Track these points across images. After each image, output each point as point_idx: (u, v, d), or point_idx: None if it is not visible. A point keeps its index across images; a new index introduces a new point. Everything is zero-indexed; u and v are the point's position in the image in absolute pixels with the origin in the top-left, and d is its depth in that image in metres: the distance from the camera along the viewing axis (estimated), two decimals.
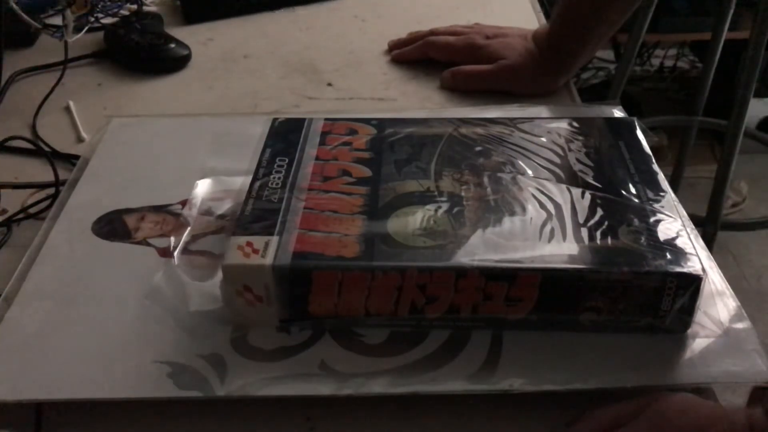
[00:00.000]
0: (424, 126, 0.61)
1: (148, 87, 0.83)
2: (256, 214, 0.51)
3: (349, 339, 0.49)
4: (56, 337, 0.50)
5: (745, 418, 0.43)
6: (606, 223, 0.50)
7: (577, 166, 0.56)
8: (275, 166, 0.56)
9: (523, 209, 0.52)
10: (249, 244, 0.49)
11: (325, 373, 0.47)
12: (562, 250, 0.48)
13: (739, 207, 2.13)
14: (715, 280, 0.52)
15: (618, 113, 0.69)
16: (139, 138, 0.71)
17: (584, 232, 0.49)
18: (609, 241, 0.49)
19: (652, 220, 0.51)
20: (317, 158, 0.57)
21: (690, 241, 0.49)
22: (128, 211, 0.61)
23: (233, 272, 0.48)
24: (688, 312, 0.48)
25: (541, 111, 0.71)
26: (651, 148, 0.59)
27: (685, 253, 0.48)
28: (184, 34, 0.91)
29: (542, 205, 0.52)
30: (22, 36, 0.90)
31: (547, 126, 0.62)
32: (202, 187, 0.62)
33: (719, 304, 0.51)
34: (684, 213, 0.55)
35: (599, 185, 0.54)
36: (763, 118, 2.26)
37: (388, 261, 0.47)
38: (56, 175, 0.65)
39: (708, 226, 1.54)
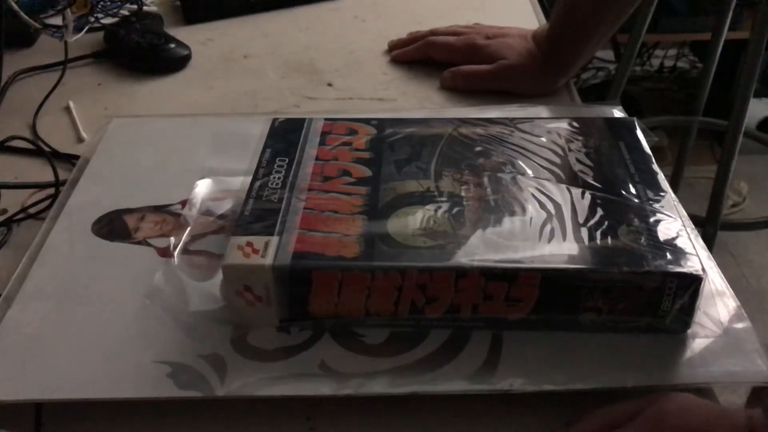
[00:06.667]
0: (424, 126, 0.61)
1: (148, 87, 0.83)
2: (256, 214, 0.51)
3: (349, 339, 0.49)
4: (56, 337, 0.50)
5: (744, 418, 0.43)
6: (606, 223, 0.50)
7: (577, 166, 0.56)
8: (275, 166, 0.56)
9: (523, 209, 0.52)
10: (249, 244, 0.49)
11: (325, 373, 0.47)
12: (562, 250, 0.48)
13: (739, 207, 2.13)
14: (715, 280, 0.52)
15: (618, 113, 0.69)
16: (139, 138, 0.71)
17: (584, 232, 0.49)
18: (609, 241, 0.49)
19: (652, 220, 0.51)
20: (317, 158, 0.57)
21: (690, 241, 0.49)
22: (128, 211, 0.61)
23: (233, 272, 0.48)
24: (688, 312, 0.48)
25: (541, 111, 0.71)
26: (651, 148, 0.59)
27: (685, 253, 0.48)
28: (184, 34, 0.91)
29: (542, 205, 0.52)
30: (22, 36, 0.90)
31: (547, 126, 0.62)
32: (202, 187, 0.62)
33: (719, 304, 0.51)
34: (684, 213, 0.55)
35: (599, 185, 0.54)
36: (763, 118, 2.27)
37: (388, 261, 0.47)
38: (56, 175, 0.65)
39: (708, 226, 1.54)
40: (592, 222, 0.50)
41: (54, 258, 0.56)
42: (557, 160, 0.57)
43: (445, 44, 0.83)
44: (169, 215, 0.60)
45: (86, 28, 0.87)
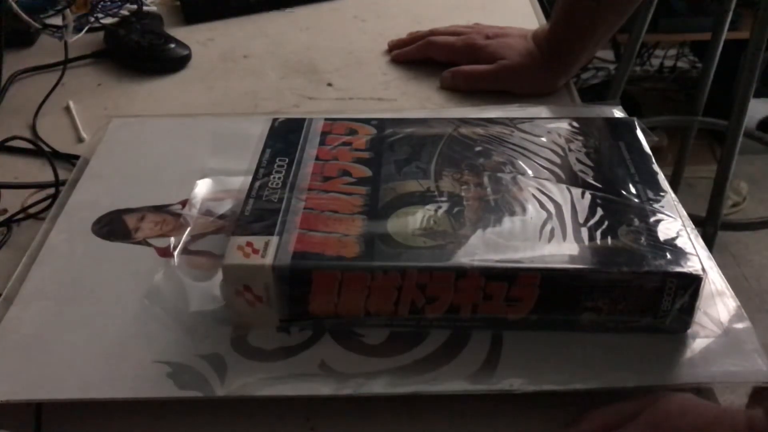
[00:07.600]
0: (424, 126, 0.61)
1: (148, 87, 0.83)
2: (256, 214, 0.51)
3: (349, 339, 0.49)
4: (56, 337, 0.50)
5: (745, 419, 0.43)
6: (606, 223, 0.50)
7: (577, 166, 0.56)
8: (275, 166, 0.56)
9: (523, 209, 0.52)
10: (249, 244, 0.49)
11: (325, 373, 0.47)
12: (562, 250, 0.48)
13: (739, 207, 2.13)
14: (715, 280, 0.52)
15: (618, 113, 0.69)
16: (139, 138, 0.71)
17: (584, 232, 0.49)
18: (609, 241, 0.49)
19: (652, 220, 0.51)
20: (317, 158, 0.57)
21: (690, 241, 0.49)
22: (128, 211, 0.61)
23: (233, 272, 0.48)
24: (688, 312, 0.48)
25: (541, 111, 0.71)
26: (651, 148, 0.59)
27: (685, 253, 0.48)
28: (184, 34, 0.91)
29: (542, 205, 0.52)
30: (22, 36, 0.90)
31: (547, 126, 0.62)
32: (202, 187, 0.62)
33: (719, 304, 0.51)
34: (684, 213, 0.55)
35: (599, 185, 0.54)
36: (763, 118, 2.27)
37: (388, 261, 0.47)
38: (56, 175, 0.65)
39: (708, 226, 1.54)
40: (592, 222, 0.50)
41: (54, 258, 0.56)
42: (557, 160, 0.57)
43: (445, 44, 0.83)
44: (169, 215, 0.60)
45: (86, 28, 0.87)
